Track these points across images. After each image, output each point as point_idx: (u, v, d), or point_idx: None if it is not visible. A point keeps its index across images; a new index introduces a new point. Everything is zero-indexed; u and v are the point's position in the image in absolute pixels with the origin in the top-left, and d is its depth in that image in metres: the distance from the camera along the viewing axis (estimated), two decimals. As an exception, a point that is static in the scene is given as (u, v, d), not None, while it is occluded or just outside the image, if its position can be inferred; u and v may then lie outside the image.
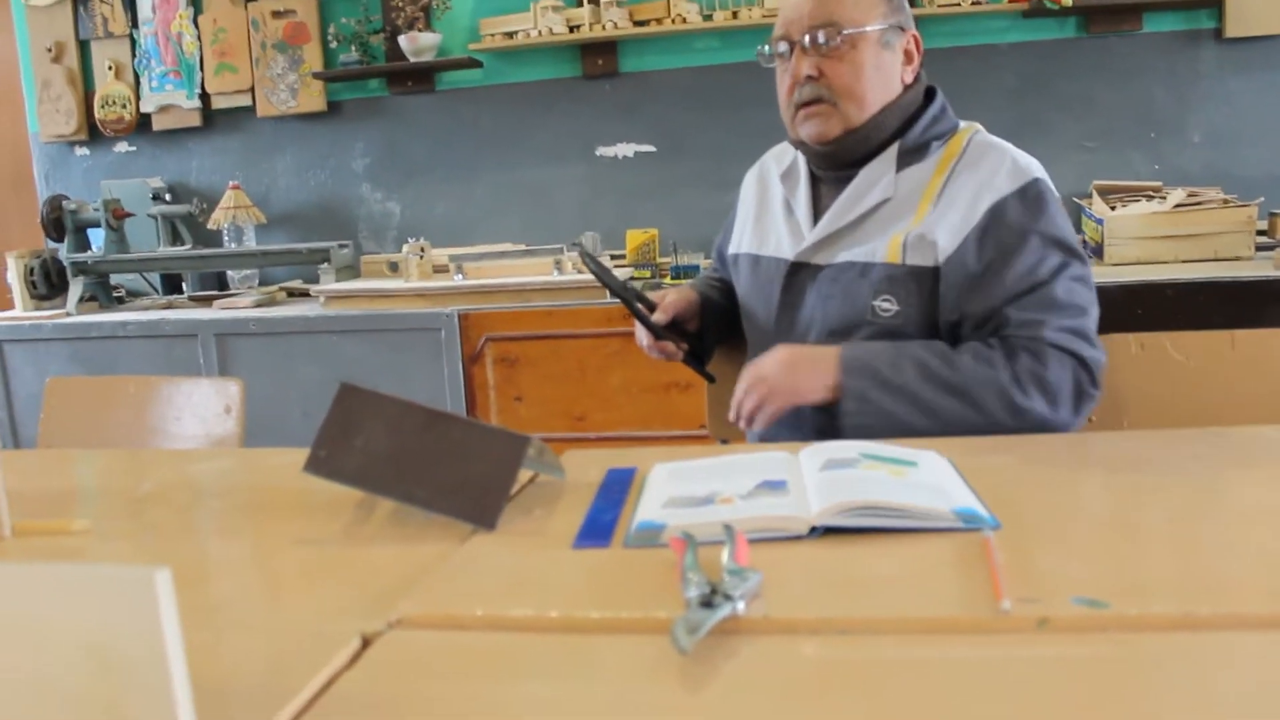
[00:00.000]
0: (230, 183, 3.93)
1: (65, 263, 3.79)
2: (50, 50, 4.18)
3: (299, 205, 4.04)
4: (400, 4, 3.70)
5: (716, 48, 3.61)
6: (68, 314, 3.68)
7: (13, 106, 4.43)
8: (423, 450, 1.15)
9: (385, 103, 3.91)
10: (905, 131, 1.56)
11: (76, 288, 3.75)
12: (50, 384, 1.96)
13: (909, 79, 1.58)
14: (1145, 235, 3.10)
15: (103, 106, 4.14)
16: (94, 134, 4.21)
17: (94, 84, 4.19)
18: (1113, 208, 3.21)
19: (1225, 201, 3.08)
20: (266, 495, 1.32)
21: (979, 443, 1.31)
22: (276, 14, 3.93)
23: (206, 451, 1.73)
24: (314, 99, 3.92)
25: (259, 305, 3.52)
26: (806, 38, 1.52)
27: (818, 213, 1.61)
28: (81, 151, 4.27)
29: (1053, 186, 1.54)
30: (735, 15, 3.47)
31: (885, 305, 1.50)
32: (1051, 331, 1.41)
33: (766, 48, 1.60)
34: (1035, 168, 1.52)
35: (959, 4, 3.33)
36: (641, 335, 1.71)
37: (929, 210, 1.51)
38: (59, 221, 3.84)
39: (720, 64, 3.61)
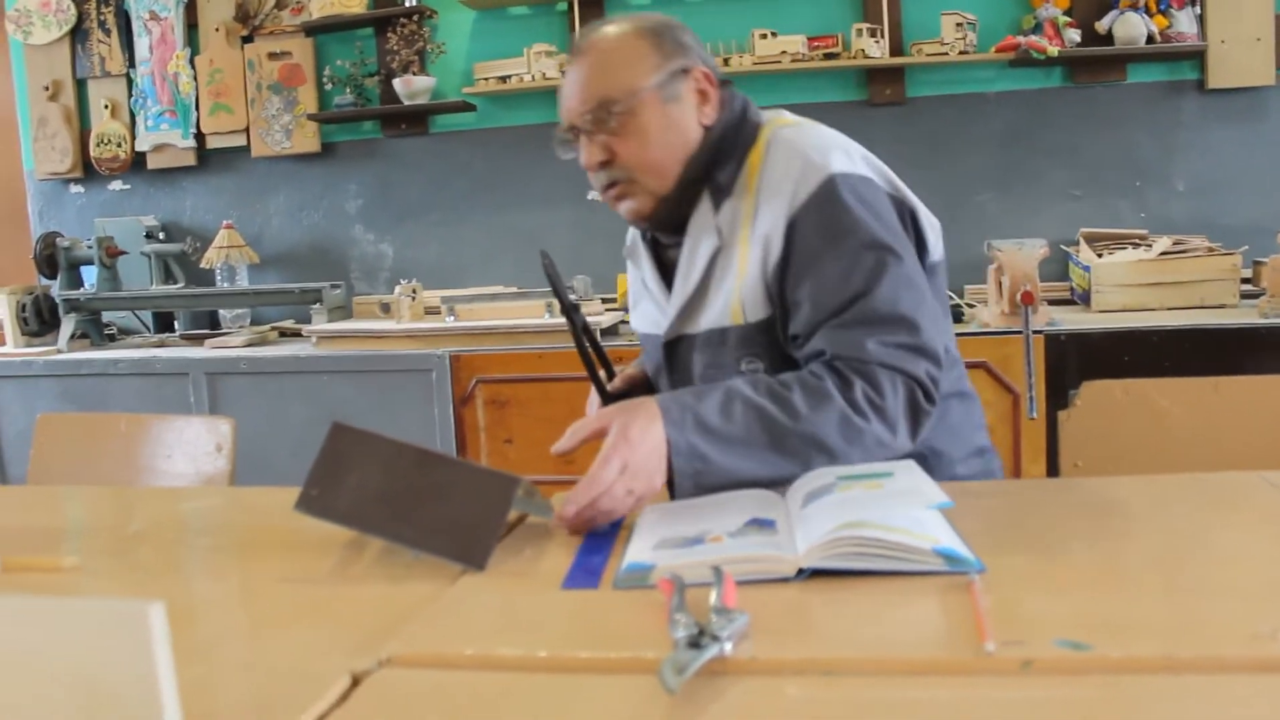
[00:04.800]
0: (224, 222, 3.94)
1: (57, 299, 3.79)
2: (47, 88, 4.21)
3: (292, 245, 4.06)
4: (395, 47, 3.74)
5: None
6: (59, 351, 3.68)
7: (8, 143, 4.45)
8: (414, 490, 1.16)
9: (379, 145, 3.95)
10: (712, 171, 1.45)
11: (68, 325, 3.75)
12: (41, 420, 1.96)
13: (709, 119, 1.46)
14: (1131, 283, 3.13)
15: (98, 145, 4.17)
16: (89, 172, 4.23)
17: (90, 122, 4.22)
18: (1099, 255, 3.24)
19: (1210, 250, 3.11)
20: (256, 534, 1.33)
21: (964, 487, 1.32)
22: (273, 55, 3.97)
23: (197, 490, 1.73)
24: (308, 140, 3.95)
25: (250, 344, 3.52)
26: (586, 121, 1.42)
27: (670, 279, 1.52)
28: (76, 189, 4.29)
29: (864, 172, 1.39)
30: (726, 63, 3.51)
31: (751, 366, 1.42)
32: (877, 348, 1.29)
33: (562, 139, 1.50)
34: (833, 160, 1.37)
35: (946, 53, 3.38)
36: (591, 405, 1.66)
37: (750, 246, 1.40)
38: (52, 258, 3.86)
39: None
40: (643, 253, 1.58)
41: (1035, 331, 2.88)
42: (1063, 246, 3.42)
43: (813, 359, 1.34)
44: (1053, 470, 2.88)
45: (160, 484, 1.82)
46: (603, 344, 1.70)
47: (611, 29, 1.46)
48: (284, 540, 1.19)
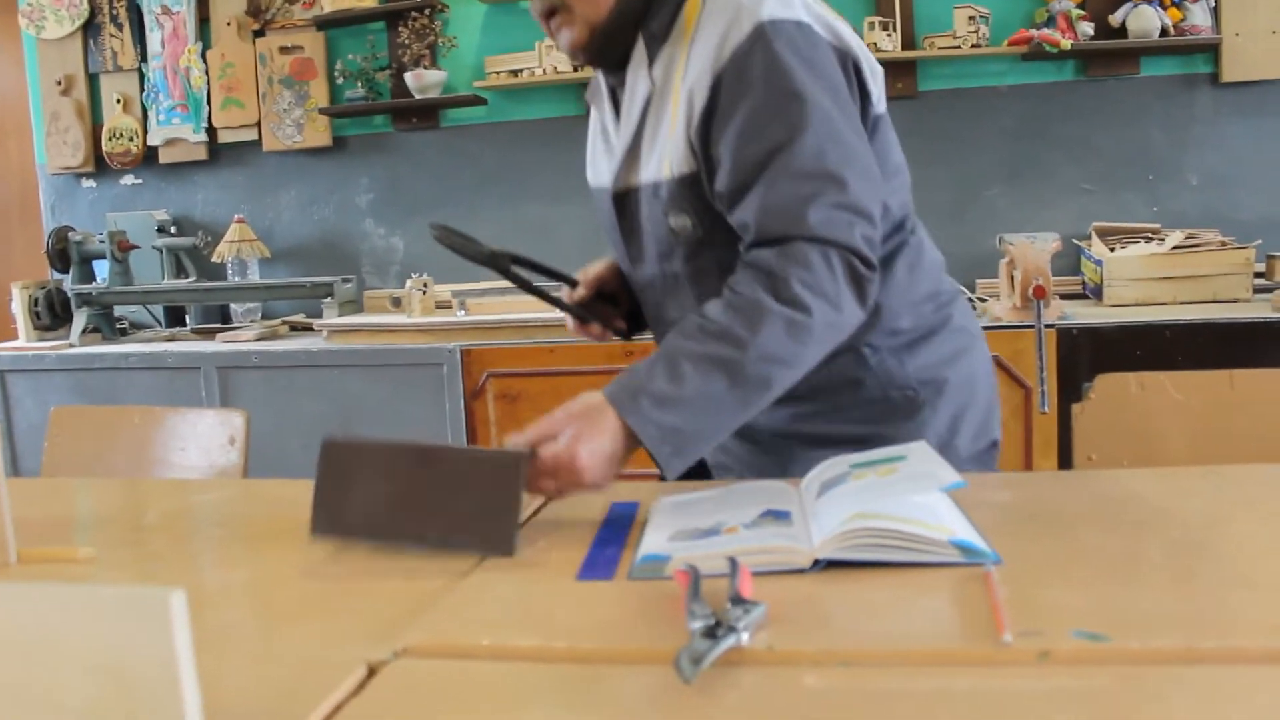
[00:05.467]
0: (235, 216, 3.96)
1: (69, 294, 3.81)
2: (60, 83, 4.23)
3: (303, 239, 4.07)
4: (407, 41, 3.74)
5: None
6: (71, 345, 3.69)
7: (21, 138, 4.47)
8: (421, 489, 1.15)
9: (390, 139, 3.95)
10: (647, 18, 1.40)
11: (80, 319, 3.77)
12: (55, 413, 1.97)
13: None
14: (1144, 276, 3.12)
15: (110, 139, 4.18)
16: (101, 166, 4.25)
17: (102, 117, 4.23)
18: (1112, 249, 3.23)
19: (1223, 243, 3.10)
20: (270, 525, 1.33)
21: (979, 479, 1.32)
22: (284, 50, 3.97)
23: (210, 482, 1.74)
24: (319, 134, 3.96)
25: (261, 338, 3.53)
26: None
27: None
28: (88, 183, 4.30)
29: (800, 18, 1.29)
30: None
31: (679, 222, 1.37)
32: (804, 218, 1.22)
33: None
34: (765, 7, 1.28)
35: (958, 47, 3.37)
36: (572, 327, 1.60)
37: (680, 98, 1.34)
38: (64, 253, 3.87)
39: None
40: (603, 91, 1.51)
41: (1047, 325, 2.87)
42: (1075, 241, 3.41)
43: (745, 230, 1.28)
44: (1065, 464, 2.87)
45: (174, 476, 1.83)
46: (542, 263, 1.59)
47: None
48: (298, 531, 1.19)
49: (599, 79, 1.52)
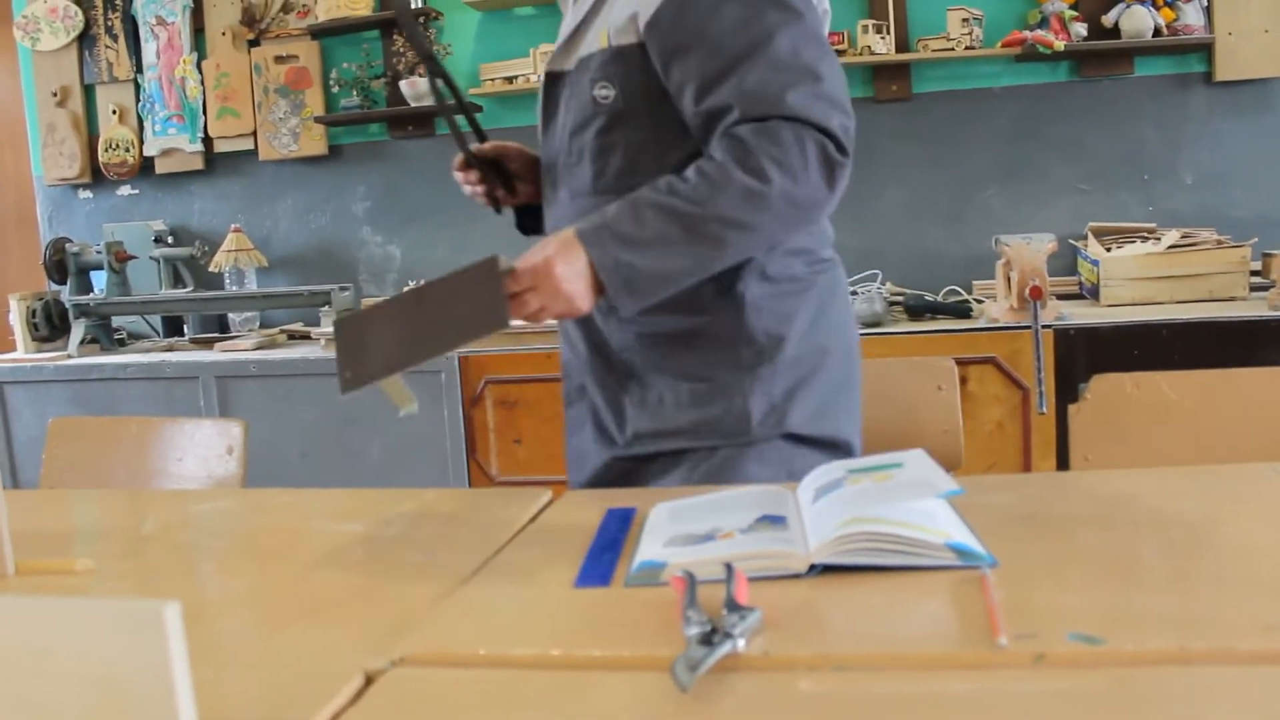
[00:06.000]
0: (232, 226, 3.96)
1: (67, 305, 3.81)
2: (55, 94, 4.24)
3: (300, 248, 4.07)
4: (401, 50, 3.75)
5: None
6: (69, 356, 3.70)
7: (17, 150, 4.47)
8: (422, 316, 1.27)
9: (386, 147, 3.95)
10: None
11: (78, 330, 3.77)
12: (53, 424, 1.97)
13: None
14: (1140, 276, 3.13)
15: (106, 150, 4.19)
16: (97, 177, 4.25)
17: (98, 127, 4.24)
18: (1108, 249, 3.24)
19: (1219, 242, 3.11)
20: (268, 535, 1.33)
21: (975, 481, 1.32)
22: (279, 59, 3.98)
23: (208, 492, 1.74)
24: (315, 143, 3.97)
25: (259, 348, 3.54)
26: None
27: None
28: (84, 194, 4.31)
29: None
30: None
31: (603, 92, 1.42)
32: (786, 99, 1.28)
33: None
34: None
35: (952, 49, 3.38)
36: (455, 169, 1.64)
37: None
38: (61, 264, 3.87)
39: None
40: None
41: (1044, 326, 2.87)
42: (1071, 241, 3.42)
43: (719, 114, 1.32)
44: (1063, 464, 2.87)
45: (172, 487, 1.83)
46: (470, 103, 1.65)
47: None
48: (296, 541, 1.19)
49: None
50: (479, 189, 1.63)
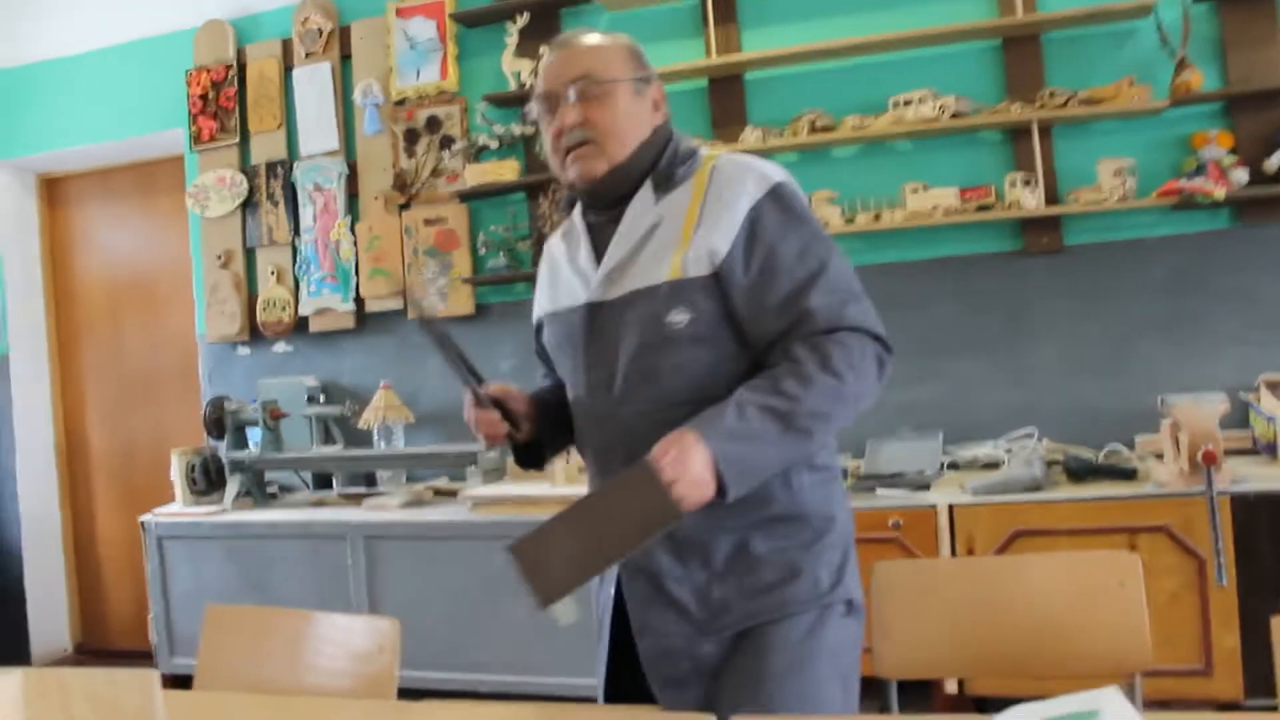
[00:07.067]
0: (381, 382, 4.05)
1: (224, 460, 3.94)
2: (220, 258, 4.46)
3: (447, 404, 4.14)
4: (546, 211, 3.84)
5: (860, 249, 3.62)
6: (224, 510, 3.80)
7: (183, 309, 4.71)
8: (596, 526, 1.42)
9: (531, 306, 4.01)
10: (656, 165, 1.71)
11: (233, 485, 3.89)
12: (210, 612, 2.00)
13: (658, 122, 1.75)
14: (1321, 433, 2.94)
15: (264, 309, 4.37)
16: (255, 335, 4.43)
17: (257, 287, 4.43)
18: (1283, 404, 3.06)
19: None
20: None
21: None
22: (429, 222, 4.12)
23: (359, 707, 1.72)
24: (463, 302, 4.07)
25: (407, 505, 3.57)
26: (570, 90, 1.67)
27: (600, 256, 1.73)
28: (243, 350, 4.49)
29: (799, 188, 1.69)
30: (877, 218, 3.50)
31: (678, 317, 1.61)
32: (848, 314, 1.58)
33: (533, 108, 1.74)
34: (779, 172, 1.68)
35: (1105, 200, 3.29)
36: (468, 411, 1.78)
37: (694, 231, 1.63)
38: (220, 421, 4.02)
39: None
40: (580, 230, 1.76)
41: (1220, 493, 2.71)
42: (1241, 395, 3.24)
43: (796, 327, 1.58)
44: (1264, 685, 2.67)
45: (324, 682, 1.82)
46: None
47: (596, 34, 1.76)
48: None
49: (574, 221, 1.79)
50: (500, 429, 1.77)
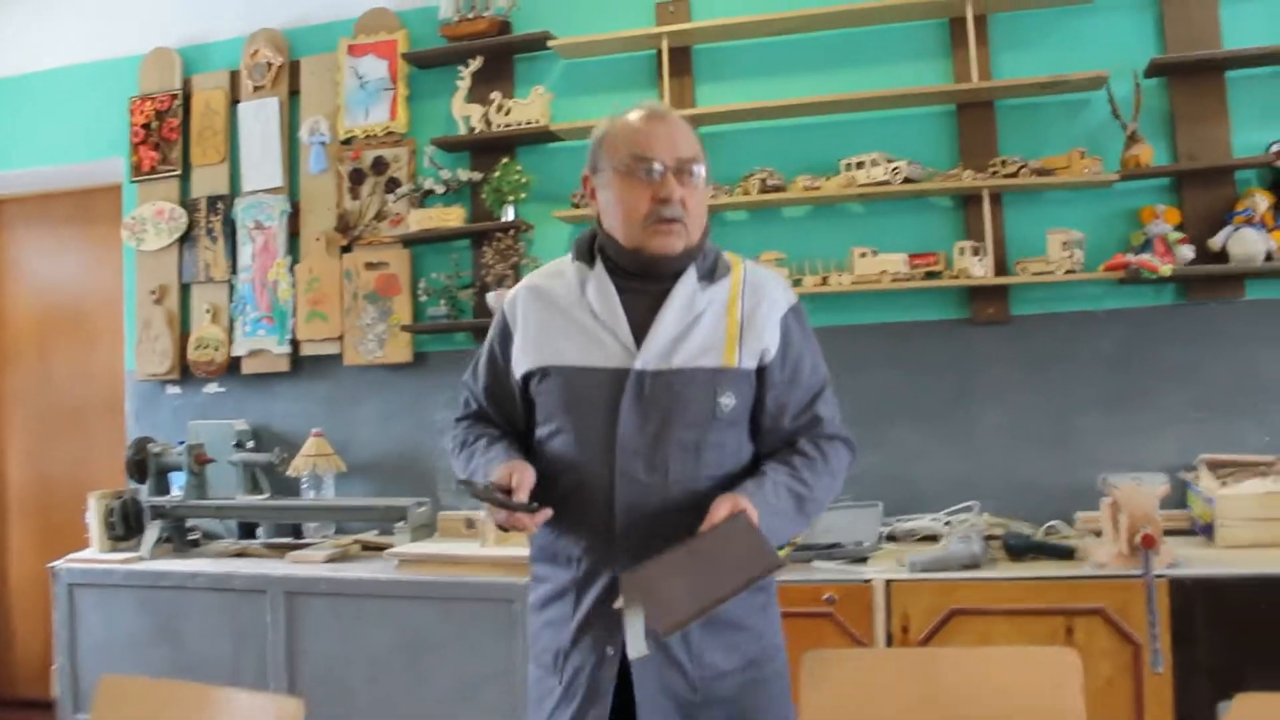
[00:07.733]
0: (313, 430, 3.93)
1: (144, 505, 3.79)
2: (154, 293, 4.33)
3: (379, 455, 4.03)
4: (490, 261, 3.76)
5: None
6: (141, 558, 3.65)
7: (113, 344, 4.56)
8: (700, 569, 1.60)
9: (470, 356, 3.91)
10: (699, 255, 1.90)
11: (153, 531, 3.74)
12: (104, 682, 1.89)
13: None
14: (1261, 516, 2.93)
15: (196, 348, 4.24)
16: (185, 374, 4.29)
17: (190, 325, 4.30)
18: (1223, 483, 3.04)
19: (1349, 482, 2.89)
20: None
21: None
22: (370, 265, 4.02)
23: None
24: (401, 350, 3.96)
25: (332, 559, 3.44)
26: (682, 166, 1.82)
27: (630, 321, 1.84)
28: (172, 390, 4.34)
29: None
30: (824, 281, 3.45)
31: (728, 402, 1.82)
32: (836, 424, 1.94)
33: (626, 160, 1.81)
34: (789, 290, 1.97)
35: (1052, 272, 3.27)
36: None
37: (741, 326, 1.85)
38: (142, 464, 3.88)
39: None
40: (612, 294, 1.85)
41: (1158, 576, 2.66)
42: (1181, 474, 3.22)
43: (808, 428, 1.91)
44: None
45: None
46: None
47: (674, 112, 1.96)
48: None
49: (597, 277, 1.86)
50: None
